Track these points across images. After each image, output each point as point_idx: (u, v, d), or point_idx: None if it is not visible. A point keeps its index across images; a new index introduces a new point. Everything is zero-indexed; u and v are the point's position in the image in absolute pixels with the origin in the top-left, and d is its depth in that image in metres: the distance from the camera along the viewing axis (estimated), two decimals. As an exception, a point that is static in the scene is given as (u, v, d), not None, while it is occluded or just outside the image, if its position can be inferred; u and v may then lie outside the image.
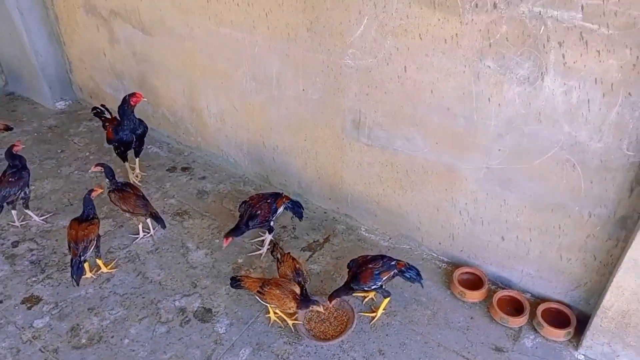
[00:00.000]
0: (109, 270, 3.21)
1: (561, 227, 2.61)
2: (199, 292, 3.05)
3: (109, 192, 3.30)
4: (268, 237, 3.26)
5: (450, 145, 2.75)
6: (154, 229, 3.48)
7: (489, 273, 3.02)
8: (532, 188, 2.60)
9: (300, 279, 2.76)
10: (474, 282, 2.99)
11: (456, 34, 2.37)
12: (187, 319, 2.90)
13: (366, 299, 2.97)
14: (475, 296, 2.92)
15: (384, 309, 2.87)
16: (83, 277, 3.06)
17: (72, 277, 2.94)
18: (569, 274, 2.73)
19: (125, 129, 3.68)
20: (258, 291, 2.73)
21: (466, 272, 3.05)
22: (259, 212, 3.06)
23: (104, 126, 3.89)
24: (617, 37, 1.98)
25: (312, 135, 3.32)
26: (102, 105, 3.98)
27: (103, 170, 3.28)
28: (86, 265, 3.10)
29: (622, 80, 2.07)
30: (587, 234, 2.55)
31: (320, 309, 2.73)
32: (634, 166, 2.23)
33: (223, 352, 2.72)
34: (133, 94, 3.60)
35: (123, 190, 3.27)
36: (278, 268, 2.88)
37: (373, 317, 2.86)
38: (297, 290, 2.69)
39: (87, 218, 3.03)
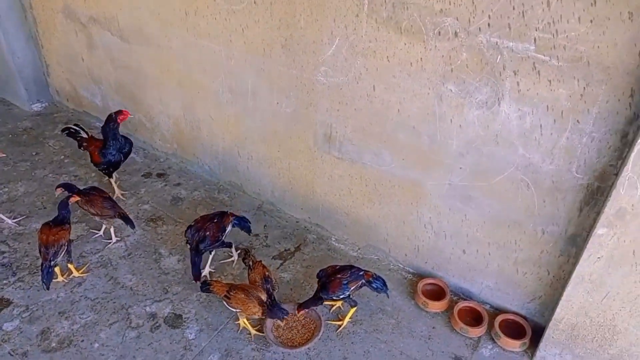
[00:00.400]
0: (81, 275, 3.25)
1: (517, 242, 2.75)
2: (170, 298, 3.11)
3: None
4: (233, 248, 3.33)
5: (415, 162, 2.87)
6: (117, 234, 3.52)
7: (451, 284, 3.14)
8: (491, 205, 2.73)
9: (268, 285, 2.85)
10: (437, 293, 3.09)
11: (421, 58, 2.50)
12: (157, 324, 2.96)
13: (333, 308, 3.07)
14: (437, 306, 3.03)
15: (350, 318, 2.98)
16: (54, 280, 3.11)
17: (43, 282, 2.98)
18: (525, 287, 2.87)
19: (112, 150, 3.58)
20: (225, 295, 2.81)
21: (430, 283, 3.15)
22: (207, 232, 3.03)
23: (80, 146, 3.76)
24: (566, 69, 2.13)
25: (286, 147, 3.41)
26: (76, 125, 3.84)
27: (65, 190, 3.25)
28: (57, 269, 3.14)
29: (571, 108, 2.22)
30: (541, 250, 2.70)
31: (282, 324, 2.84)
32: (583, 188, 2.38)
33: (192, 358, 2.78)
34: (120, 112, 3.52)
35: (89, 194, 3.31)
36: (248, 275, 2.96)
37: (339, 326, 2.97)
38: (264, 296, 2.77)
39: (60, 222, 3.06)
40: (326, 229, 3.61)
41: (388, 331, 2.96)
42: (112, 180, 3.87)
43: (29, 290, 3.14)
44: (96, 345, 2.84)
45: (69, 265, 3.20)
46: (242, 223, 3.26)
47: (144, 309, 3.05)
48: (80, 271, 3.26)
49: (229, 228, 3.17)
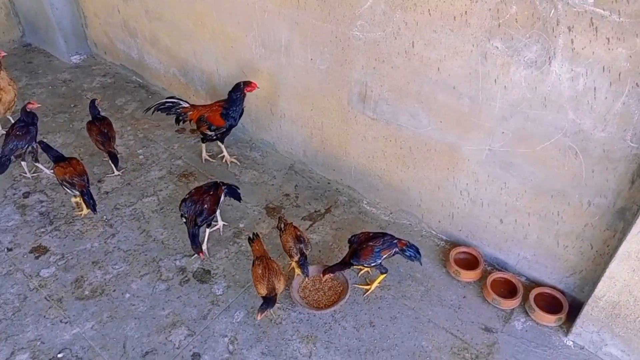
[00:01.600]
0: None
1: (560, 213, 2.59)
2: (199, 254, 3.13)
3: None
4: (218, 214, 3.17)
5: (454, 125, 2.71)
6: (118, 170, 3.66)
7: (485, 254, 3.02)
8: (534, 173, 2.56)
9: (301, 245, 2.79)
10: (470, 262, 2.99)
11: (465, 12, 2.30)
12: (186, 278, 2.98)
13: (362, 272, 3.02)
14: (469, 276, 2.92)
15: (378, 284, 2.92)
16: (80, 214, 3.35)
17: (90, 207, 3.17)
18: (565, 261, 2.72)
19: (234, 115, 3.48)
20: (253, 260, 2.77)
21: (463, 252, 3.04)
22: (205, 206, 2.91)
23: (179, 120, 3.63)
24: (628, 25, 1.91)
25: (319, 106, 3.30)
26: (172, 97, 3.70)
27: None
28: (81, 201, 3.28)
29: (631, 70, 2.00)
30: (585, 223, 2.53)
31: (308, 285, 2.85)
32: (637, 158, 2.19)
33: (219, 313, 2.80)
34: (249, 83, 3.37)
35: (92, 122, 3.56)
36: (280, 237, 2.92)
37: (367, 290, 2.91)
38: (280, 286, 2.65)
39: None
40: (358, 191, 3.52)
41: (417, 298, 2.88)
42: (223, 146, 3.74)
43: (65, 239, 3.22)
44: (127, 295, 2.90)
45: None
46: (233, 192, 3.16)
47: (174, 263, 3.07)
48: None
49: (222, 198, 3.08)
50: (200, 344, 2.65)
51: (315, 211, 3.45)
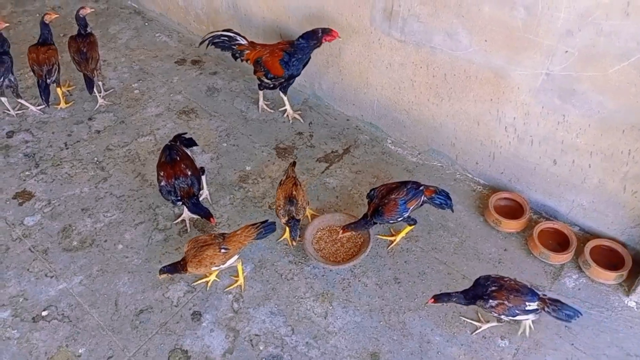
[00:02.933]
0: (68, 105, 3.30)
1: (631, 152, 2.14)
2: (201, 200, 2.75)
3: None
4: (203, 180, 2.69)
5: (502, 44, 2.22)
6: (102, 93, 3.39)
7: (532, 201, 2.63)
8: (602, 103, 2.09)
9: (291, 207, 2.36)
10: (513, 210, 2.62)
11: None
12: (185, 228, 2.63)
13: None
14: (512, 226, 2.55)
15: (404, 235, 2.52)
16: (57, 107, 3.26)
17: (42, 98, 3.12)
18: (631, 209, 2.30)
19: (297, 64, 2.89)
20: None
21: (505, 198, 2.66)
22: (185, 176, 2.46)
23: (237, 56, 3.05)
24: None
25: (336, 27, 2.79)
26: (228, 31, 3.04)
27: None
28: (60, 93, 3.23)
29: None
30: (662, 164, 2.07)
31: (324, 235, 2.42)
32: None
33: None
34: (328, 31, 2.72)
35: (74, 38, 3.22)
36: (277, 189, 2.49)
37: (391, 242, 2.52)
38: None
39: (45, 43, 3.14)
40: (381, 129, 3.07)
41: (449, 251, 2.51)
42: (285, 98, 3.16)
43: (52, 184, 2.88)
44: (120, 246, 2.57)
45: (58, 90, 3.23)
46: (189, 143, 2.65)
47: (173, 210, 2.72)
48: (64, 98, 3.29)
49: (190, 152, 2.60)
50: (201, 302, 2.33)
51: (332, 152, 3.02)
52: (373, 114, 3.04)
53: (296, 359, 2.15)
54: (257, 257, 2.51)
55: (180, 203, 2.49)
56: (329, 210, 2.65)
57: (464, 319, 2.27)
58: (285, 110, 3.21)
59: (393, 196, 2.31)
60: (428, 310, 2.29)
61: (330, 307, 2.31)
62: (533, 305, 2.00)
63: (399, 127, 2.97)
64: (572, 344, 2.17)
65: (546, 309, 2.00)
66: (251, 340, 2.21)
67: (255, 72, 3.06)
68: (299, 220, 2.37)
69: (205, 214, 2.46)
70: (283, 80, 3.01)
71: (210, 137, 3.13)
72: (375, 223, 2.37)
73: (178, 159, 2.48)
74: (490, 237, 2.56)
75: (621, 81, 1.98)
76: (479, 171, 2.77)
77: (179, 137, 2.63)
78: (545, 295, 2.05)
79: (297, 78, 3.07)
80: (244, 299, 2.35)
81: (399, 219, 2.35)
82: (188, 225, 2.64)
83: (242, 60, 3.07)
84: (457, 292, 2.10)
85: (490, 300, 2.02)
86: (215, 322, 2.27)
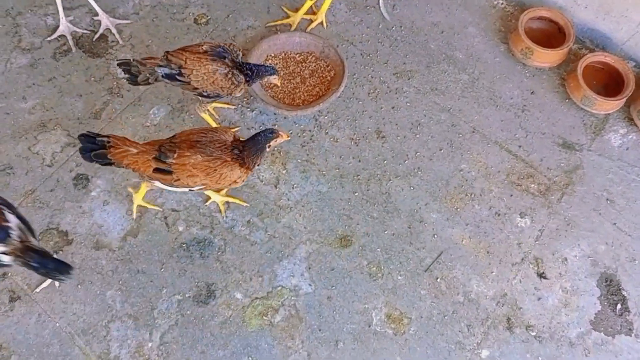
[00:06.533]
0: None
1: None
2: None
3: None
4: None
5: None
6: None
7: (577, 23, 2.00)
8: None
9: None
10: (549, 35, 1.99)
11: None
12: (65, 47, 1.95)
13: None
14: (547, 58, 1.93)
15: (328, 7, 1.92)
16: None
17: None
18: None
19: None
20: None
21: (539, 18, 2.02)
22: None
23: None
24: None
25: None
26: None
27: None
28: None
29: None
30: None
31: (278, 82, 1.62)
32: None
33: (120, 110, 1.82)
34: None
35: None
36: None
37: (312, 21, 1.92)
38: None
39: None
40: None
41: (455, 94, 1.90)
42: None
43: None
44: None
45: None
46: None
47: (44, 21, 2.03)
48: None
49: None
50: (87, 163, 1.57)
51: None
52: None
53: (232, 244, 1.63)
54: (176, 97, 1.75)
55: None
56: (284, 29, 1.89)
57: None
58: None
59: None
60: (422, 175, 1.76)
61: (284, 172, 1.77)
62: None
63: None
64: (615, 224, 1.73)
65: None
66: (166, 218, 1.66)
67: None
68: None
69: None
70: None
71: None
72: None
73: None
74: (512, 73, 1.96)
75: None
76: (505, -24, 1.99)
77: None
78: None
79: None
80: (155, 156, 1.64)
81: None
82: (71, 42, 1.83)
83: None
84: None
85: None
86: (110, 192, 1.68)
